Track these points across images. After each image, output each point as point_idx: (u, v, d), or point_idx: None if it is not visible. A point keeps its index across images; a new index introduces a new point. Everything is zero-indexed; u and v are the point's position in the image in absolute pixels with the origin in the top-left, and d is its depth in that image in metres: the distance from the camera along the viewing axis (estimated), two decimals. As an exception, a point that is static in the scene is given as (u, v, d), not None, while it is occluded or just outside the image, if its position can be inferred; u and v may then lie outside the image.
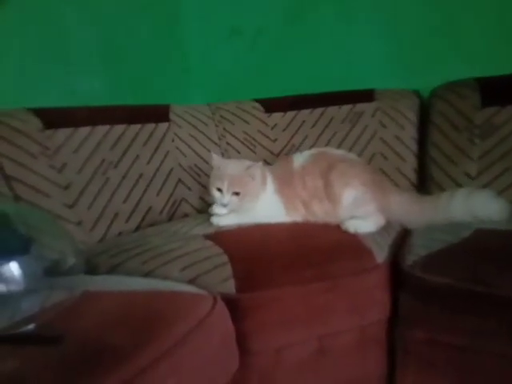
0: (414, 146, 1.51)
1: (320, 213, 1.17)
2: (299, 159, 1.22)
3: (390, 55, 1.63)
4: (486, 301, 0.89)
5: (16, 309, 0.71)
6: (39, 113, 1.19)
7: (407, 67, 1.62)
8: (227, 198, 1.14)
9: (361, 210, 1.15)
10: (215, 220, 1.19)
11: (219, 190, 1.14)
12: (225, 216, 1.19)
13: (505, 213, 1.13)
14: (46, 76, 1.37)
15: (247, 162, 1.19)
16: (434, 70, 1.56)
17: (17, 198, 1.10)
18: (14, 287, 0.71)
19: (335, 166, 1.17)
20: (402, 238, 1.17)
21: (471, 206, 1.13)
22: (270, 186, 1.19)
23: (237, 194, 1.13)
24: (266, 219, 1.17)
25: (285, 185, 1.19)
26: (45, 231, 0.85)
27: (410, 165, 1.50)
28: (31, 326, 0.70)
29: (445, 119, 1.43)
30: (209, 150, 1.52)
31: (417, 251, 1.02)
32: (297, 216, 1.18)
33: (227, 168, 1.16)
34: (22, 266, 0.71)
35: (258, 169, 1.16)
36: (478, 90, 1.39)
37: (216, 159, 1.19)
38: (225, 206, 1.15)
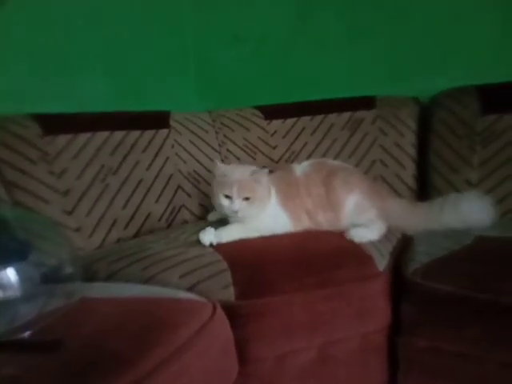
0: (413, 153, 1.51)
1: (324, 221, 1.17)
2: (300, 168, 1.22)
3: (391, 62, 1.64)
4: (489, 308, 0.88)
5: (13, 315, 0.70)
6: (39, 118, 1.19)
7: (408, 74, 1.62)
8: (238, 203, 1.08)
9: (362, 216, 1.15)
10: (216, 237, 1.09)
11: (227, 196, 1.10)
12: (226, 231, 1.11)
13: (489, 217, 1.15)
14: (47, 81, 1.36)
15: (252, 167, 1.16)
16: (435, 77, 1.56)
17: (16, 204, 1.10)
18: (10, 293, 0.70)
19: (336, 173, 1.18)
20: (403, 244, 1.16)
21: (459, 212, 1.14)
22: (273, 198, 1.16)
23: (247, 199, 1.09)
24: (271, 231, 1.13)
25: (289, 195, 1.16)
26: (43, 237, 0.84)
27: (409, 172, 1.50)
28: (28, 333, 0.69)
29: (445, 126, 1.43)
30: (209, 157, 1.53)
31: (418, 258, 1.02)
32: (302, 226, 1.17)
33: (234, 174, 1.12)
34: (19, 272, 0.70)
35: (264, 175, 1.13)
36: (479, 98, 1.39)
37: (220, 167, 1.14)
38: (235, 212, 1.09)
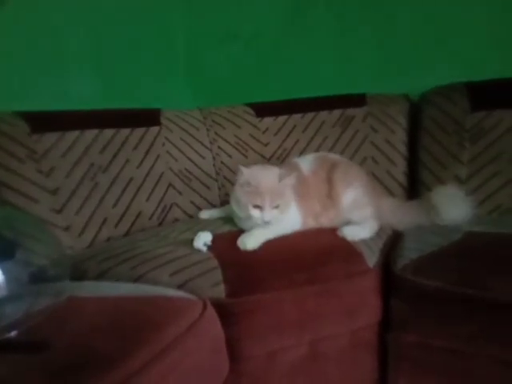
0: (404, 150, 1.52)
1: (325, 221, 1.16)
2: (306, 165, 1.19)
3: (381, 59, 1.64)
4: (477, 303, 0.89)
5: (-1, 315, 0.69)
6: (27, 116, 1.18)
7: (398, 71, 1.63)
8: (269, 214, 1.03)
9: (358, 213, 1.15)
10: (242, 245, 1.03)
11: (256, 206, 1.04)
12: (250, 238, 1.04)
13: (465, 215, 1.16)
14: (37, 79, 1.35)
15: (276, 170, 1.10)
16: (425, 74, 1.57)
17: (4, 203, 1.09)
18: (-4, 293, 0.69)
19: (337, 167, 1.17)
20: (393, 241, 1.17)
21: (442, 208, 1.15)
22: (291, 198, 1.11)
23: (276, 206, 1.04)
24: (287, 231, 1.10)
25: (302, 195, 1.13)
26: (31, 236, 0.84)
27: (400, 168, 1.51)
28: (14, 333, 0.68)
29: (435, 123, 1.44)
30: (200, 155, 1.52)
31: (408, 254, 1.02)
32: (308, 226, 1.14)
33: (261, 181, 1.05)
34: (5, 272, 0.70)
35: (293, 179, 1.08)
36: (468, 95, 1.40)
37: (245, 173, 1.06)
38: (266, 223, 1.04)
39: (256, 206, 1.04)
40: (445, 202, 1.15)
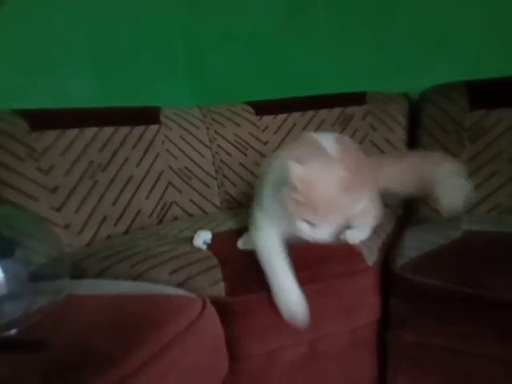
0: (403, 149, 1.51)
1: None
2: (329, 144, 0.99)
3: (381, 59, 1.64)
4: (476, 302, 0.89)
5: (-2, 313, 0.69)
6: (26, 114, 1.18)
7: (397, 70, 1.63)
8: (325, 231, 0.81)
9: (363, 219, 1.11)
10: (242, 245, 1.01)
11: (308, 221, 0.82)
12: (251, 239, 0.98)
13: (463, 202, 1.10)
14: (37, 79, 1.35)
15: (339, 174, 0.82)
16: (424, 74, 1.57)
17: (3, 201, 1.09)
18: (-5, 291, 0.69)
19: (358, 166, 1.00)
20: (392, 240, 1.17)
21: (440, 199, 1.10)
22: None
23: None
24: None
25: None
26: (30, 234, 0.83)
27: (400, 167, 1.50)
28: (14, 331, 0.68)
29: (434, 122, 1.44)
30: (200, 153, 1.52)
31: (407, 253, 1.02)
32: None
33: (317, 187, 0.78)
34: (4, 270, 0.69)
35: (365, 198, 0.89)
36: (467, 93, 1.40)
37: (298, 175, 0.77)
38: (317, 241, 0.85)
39: (306, 221, 0.82)
40: (443, 192, 1.09)
